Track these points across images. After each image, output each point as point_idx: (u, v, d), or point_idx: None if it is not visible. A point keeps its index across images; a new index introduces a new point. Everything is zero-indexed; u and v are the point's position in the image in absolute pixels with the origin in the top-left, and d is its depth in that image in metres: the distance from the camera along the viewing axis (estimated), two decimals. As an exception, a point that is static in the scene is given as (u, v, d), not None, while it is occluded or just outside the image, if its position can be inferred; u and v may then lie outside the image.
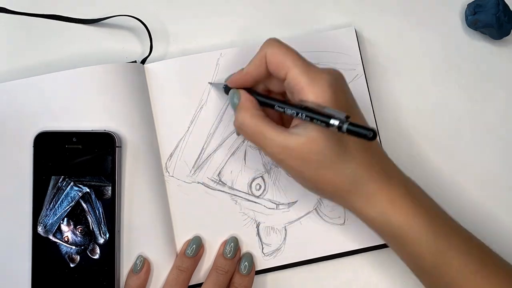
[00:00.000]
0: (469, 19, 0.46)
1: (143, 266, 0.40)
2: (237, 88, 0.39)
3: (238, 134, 0.43)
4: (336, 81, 0.35)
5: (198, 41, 0.46)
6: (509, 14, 0.45)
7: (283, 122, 0.40)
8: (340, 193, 0.36)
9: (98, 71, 0.42)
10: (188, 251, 0.41)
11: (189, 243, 0.41)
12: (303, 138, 0.34)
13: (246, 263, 0.41)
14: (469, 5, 0.47)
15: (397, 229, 0.35)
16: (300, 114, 0.34)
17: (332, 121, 0.31)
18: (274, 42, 0.37)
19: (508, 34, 0.46)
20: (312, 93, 0.34)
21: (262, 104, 0.37)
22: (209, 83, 0.44)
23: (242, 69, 0.38)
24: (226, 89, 0.40)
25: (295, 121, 0.36)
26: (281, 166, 0.37)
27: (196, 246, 0.41)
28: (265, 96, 0.38)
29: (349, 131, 0.31)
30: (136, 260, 0.40)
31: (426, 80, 0.47)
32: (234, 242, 0.42)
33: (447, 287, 0.35)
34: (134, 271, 0.40)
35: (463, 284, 0.35)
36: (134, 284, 0.40)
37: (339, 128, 0.31)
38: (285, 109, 0.35)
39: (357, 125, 0.30)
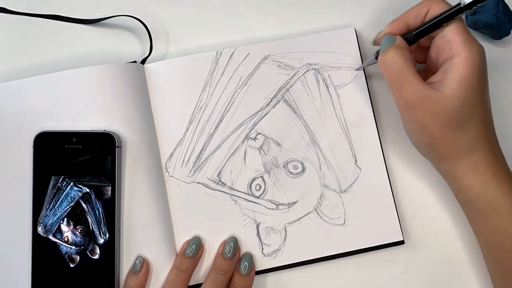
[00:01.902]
0: (469, 19, 0.46)
1: (142, 267, 0.40)
2: None
3: (380, 66, 0.41)
4: (484, 52, 0.37)
5: (198, 41, 0.46)
6: (509, 14, 0.45)
7: None
8: (452, 154, 0.37)
9: (98, 71, 0.42)
10: (187, 251, 0.41)
11: (188, 243, 0.41)
12: (441, 93, 0.36)
13: (246, 263, 0.41)
14: None
15: (492, 201, 0.37)
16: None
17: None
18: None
19: (508, 34, 0.46)
20: (466, 51, 0.36)
21: (424, 31, 0.39)
22: (356, 69, 0.45)
23: (395, 19, 0.40)
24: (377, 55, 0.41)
25: (434, 78, 0.37)
26: (406, 114, 0.38)
27: (196, 246, 0.41)
28: (424, 24, 0.39)
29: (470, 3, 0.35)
30: (136, 261, 0.40)
31: (426, 80, 0.46)
32: (233, 242, 0.42)
33: None
34: (133, 271, 0.40)
35: None
36: (133, 284, 0.40)
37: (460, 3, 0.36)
38: (439, 18, 0.37)
39: None
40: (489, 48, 0.48)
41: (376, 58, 0.41)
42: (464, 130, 0.36)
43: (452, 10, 0.37)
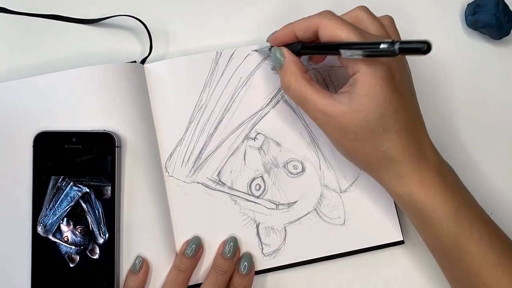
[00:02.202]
0: (469, 19, 0.46)
1: (142, 266, 0.40)
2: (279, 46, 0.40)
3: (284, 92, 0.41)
4: (391, 66, 0.35)
5: (198, 41, 0.46)
6: (509, 14, 0.45)
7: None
8: (372, 166, 0.37)
9: (98, 71, 0.42)
10: (187, 251, 0.41)
11: (188, 243, 0.41)
12: (346, 108, 0.35)
13: (245, 263, 0.41)
14: (469, 5, 0.47)
15: (422, 210, 0.36)
16: (349, 50, 0.34)
17: (382, 46, 0.31)
18: (329, 14, 0.37)
19: (508, 34, 0.46)
20: (361, 71, 0.34)
21: (308, 49, 0.38)
22: (253, 50, 0.44)
23: (288, 24, 0.39)
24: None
25: (344, 88, 0.36)
26: (321, 129, 0.38)
27: (196, 246, 0.41)
28: (311, 43, 0.38)
29: (402, 50, 0.30)
30: (135, 261, 0.40)
31: (426, 80, 0.46)
32: (233, 242, 0.41)
33: (464, 272, 0.36)
34: (133, 271, 0.40)
35: (480, 273, 0.35)
36: (133, 284, 0.40)
37: (391, 50, 0.30)
38: (336, 48, 0.35)
39: (408, 41, 0.30)
40: (489, 48, 0.48)
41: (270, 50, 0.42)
42: (377, 142, 0.35)
43: (366, 47, 0.33)
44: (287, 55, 0.39)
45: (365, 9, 0.38)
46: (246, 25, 0.47)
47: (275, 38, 0.40)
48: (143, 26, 0.45)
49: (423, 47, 0.29)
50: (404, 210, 0.38)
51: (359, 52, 0.33)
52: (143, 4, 0.47)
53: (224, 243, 0.42)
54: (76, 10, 0.46)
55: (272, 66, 0.44)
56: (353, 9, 0.39)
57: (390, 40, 0.31)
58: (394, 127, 0.35)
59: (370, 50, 0.32)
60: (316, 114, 0.37)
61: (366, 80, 0.34)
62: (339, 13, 0.38)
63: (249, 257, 0.42)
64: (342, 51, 0.34)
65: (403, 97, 0.36)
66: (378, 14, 0.47)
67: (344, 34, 0.35)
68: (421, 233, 0.39)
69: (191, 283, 0.41)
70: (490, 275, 0.35)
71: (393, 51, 0.30)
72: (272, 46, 0.41)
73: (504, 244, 0.36)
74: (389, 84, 0.34)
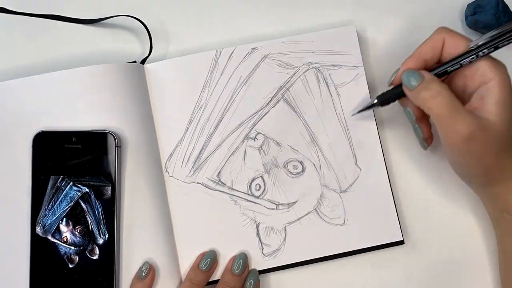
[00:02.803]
0: (469, 19, 0.46)
1: (148, 273, 0.40)
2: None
3: (422, 103, 0.38)
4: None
5: (198, 41, 0.46)
6: (509, 14, 0.45)
7: None
8: (504, 177, 0.37)
9: (98, 71, 0.42)
10: (201, 265, 0.41)
11: (203, 256, 0.41)
12: (490, 121, 0.35)
13: (251, 280, 0.41)
14: (469, 5, 0.47)
15: None
16: (484, 50, 0.36)
17: None
18: (449, 29, 0.38)
19: None
20: (494, 79, 0.35)
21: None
22: (353, 115, 0.44)
23: (411, 55, 0.39)
24: (381, 100, 0.41)
25: (468, 107, 0.37)
26: (461, 147, 0.36)
27: (211, 261, 0.41)
28: (441, 64, 0.38)
29: None
30: (142, 267, 0.40)
31: (426, 80, 0.46)
32: (242, 259, 0.41)
33: None
34: (139, 277, 0.40)
35: None
36: None
37: None
38: (467, 58, 0.37)
39: None
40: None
41: (380, 104, 0.41)
42: None
43: (472, 54, 0.36)
44: (426, 72, 0.38)
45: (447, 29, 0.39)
46: (245, 24, 0.47)
47: (405, 67, 0.39)
48: (143, 26, 0.45)
49: None
50: (507, 226, 0.38)
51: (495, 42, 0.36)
52: (143, 4, 0.47)
53: (234, 259, 0.42)
54: (76, 10, 0.46)
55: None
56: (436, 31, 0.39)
57: None
58: None
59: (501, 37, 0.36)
60: (466, 129, 0.35)
61: (502, 88, 0.35)
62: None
63: (255, 274, 0.42)
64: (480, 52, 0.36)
65: None
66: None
67: (466, 42, 0.37)
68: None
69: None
70: None
71: None
72: (378, 99, 0.41)
73: None
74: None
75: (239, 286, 0.41)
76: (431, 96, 0.36)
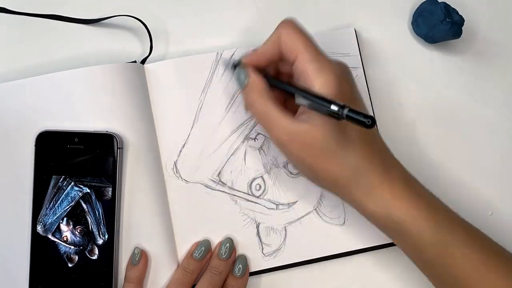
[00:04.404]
0: (429, 39, 0.46)
1: (141, 257, 0.40)
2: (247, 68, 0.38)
3: (246, 111, 0.42)
4: (342, 73, 0.36)
5: (198, 41, 0.47)
6: (451, 15, 0.44)
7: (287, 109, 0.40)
8: (340, 184, 0.36)
9: (98, 71, 0.42)
10: (195, 254, 0.41)
11: (197, 245, 0.41)
12: (308, 124, 0.35)
13: (240, 265, 0.41)
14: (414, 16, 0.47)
15: (400, 222, 0.35)
16: (303, 98, 0.34)
17: (332, 107, 0.32)
18: (290, 23, 0.37)
19: (460, 32, 0.46)
20: (318, 81, 0.34)
21: (271, 85, 0.37)
22: (218, 53, 0.44)
23: (256, 48, 0.38)
24: (234, 68, 0.40)
25: (300, 110, 0.37)
26: (283, 150, 0.37)
27: (205, 250, 0.41)
28: (274, 78, 0.38)
29: (348, 117, 0.31)
30: (134, 251, 0.40)
31: (426, 79, 0.47)
32: (229, 243, 0.42)
33: (452, 278, 0.35)
34: (132, 263, 0.40)
35: (468, 275, 0.35)
36: (134, 276, 0.40)
37: (338, 114, 0.32)
38: (291, 91, 0.35)
39: (356, 111, 0.31)
40: (489, 47, 0.48)
41: (233, 68, 0.41)
42: (343, 156, 0.35)
43: (316, 102, 0.33)
44: (252, 74, 0.37)
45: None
46: (246, 25, 0.47)
47: (245, 61, 0.39)
48: (143, 26, 0.45)
49: (367, 121, 0.31)
50: (382, 229, 0.37)
51: (307, 102, 0.34)
52: (143, 4, 0.47)
53: (220, 244, 0.42)
54: (76, 10, 0.46)
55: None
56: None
57: (342, 104, 0.32)
58: (357, 138, 0.35)
59: (319, 104, 0.33)
60: (280, 132, 0.36)
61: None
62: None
63: (244, 259, 0.42)
64: (296, 95, 0.35)
65: (360, 105, 0.36)
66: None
67: (300, 46, 0.35)
68: (402, 247, 0.38)
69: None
70: (477, 275, 0.35)
71: (340, 115, 0.32)
72: (236, 65, 0.40)
73: (484, 242, 0.36)
74: (345, 95, 0.34)
75: (227, 271, 0.41)
76: (247, 105, 0.38)
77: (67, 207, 0.40)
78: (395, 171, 0.37)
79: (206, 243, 0.42)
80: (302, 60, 0.35)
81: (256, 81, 0.37)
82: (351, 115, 0.31)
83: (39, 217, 0.40)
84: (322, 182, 0.37)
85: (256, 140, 0.44)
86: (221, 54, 0.44)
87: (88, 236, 0.40)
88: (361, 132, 0.35)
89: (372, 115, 0.44)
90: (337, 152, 0.35)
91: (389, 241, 0.43)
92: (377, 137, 0.38)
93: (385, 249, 0.43)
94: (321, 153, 0.35)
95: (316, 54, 0.35)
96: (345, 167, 0.35)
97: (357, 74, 0.45)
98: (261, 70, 0.38)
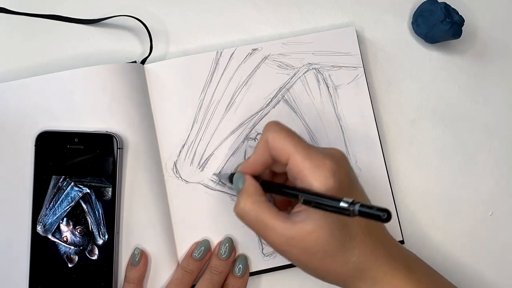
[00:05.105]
0: (429, 39, 0.46)
1: (141, 258, 0.40)
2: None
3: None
4: (338, 166, 0.34)
5: (198, 41, 0.47)
6: (451, 15, 0.44)
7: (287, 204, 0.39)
8: (345, 279, 0.35)
9: (98, 71, 0.42)
10: (195, 254, 0.41)
11: (197, 245, 0.41)
12: (308, 227, 0.33)
13: (240, 265, 0.41)
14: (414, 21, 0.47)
15: None
16: (306, 200, 0.32)
17: (342, 204, 0.29)
18: (274, 125, 0.36)
19: (461, 32, 0.46)
20: (315, 181, 0.33)
21: (268, 190, 0.36)
22: (214, 174, 0.43)
23: (249, 158, 0.37)
24: (231, 178, 0.39)
25: (297, 207, 0.35)
26: (284, 256, 0.35)
27: (204, 249, 0.41)
28: (271, 182, 0.37)
29: (361, 213, 0.28)
30: (134, 251, 0.40)
31: (426, 80, 0.47)
32: (229, 243, 0.42)
33: None
34: (132, 263, 0.40)
35: None
36: (134, 276, 0.40)
37: (349, 210, 0.28)
38: (292, 195, 0.33)
39: (368, 206, 0.28)
40: (489, 48, 0.48)
41: (230, 181, 0.39)
42: (346, 255, 0.33)
43: (324, 203, 0.30)
44: (248, 179, 0.36)
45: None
46: (246, 25, 0.47)
47: (240, 170, 0.38)
48: (143, 26, 0.45)
49: (383, 215, 0.27)
50: None
51: (313, 203, 0.31)
52: (143, 4, 0.47)
53: (220, 243, 0.42)
54: (76, 10, 0.46)
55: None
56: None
57: (351, 200, 0.29)
58: (358, 232, 0.34)
59: (326, 205, 0.30)
60: (277, 239, 0.34)
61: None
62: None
63: (244, 259, 0.42)
64: (300, 196, 0.32)
65: (358, 194, 0.35)
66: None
67: (290, 147, 0.34)
68: None
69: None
70: None
71: (351, 212, 0.28)
72: (232, 174, 0.39)
73: None
74: (343, 188, 0.33)
75: (227, 271, 0.41)
76: (239, 214, 0.36)
77: (67, 207, 0.40)
78: (397, 260, 0.35)
79: (205, 243, 0.42)
80: (295, 161, 0.34)
81: (249, 186, 0.36)
82: (364, 210, 0.28)
83: (39, 217, 0.40)
84: (325, 279, 0.36)
85: (256, 140, 0.44)
86: (221, 53, 0.44)
87: (88, 236, 0.40)
88: (363, 222, 0.33)
89: (375, 125, 0.43)
90: (340, 251, 0.33)
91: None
92: (379, 226, 0.37)
93: (385, 249, 0.43)
94: (324, 256, 0.33)
95: (308, 152, 0.34)
96: (350, 264, 0.34)
97: (358, 74, 0.45)
98: (257, 177, 0.37)
